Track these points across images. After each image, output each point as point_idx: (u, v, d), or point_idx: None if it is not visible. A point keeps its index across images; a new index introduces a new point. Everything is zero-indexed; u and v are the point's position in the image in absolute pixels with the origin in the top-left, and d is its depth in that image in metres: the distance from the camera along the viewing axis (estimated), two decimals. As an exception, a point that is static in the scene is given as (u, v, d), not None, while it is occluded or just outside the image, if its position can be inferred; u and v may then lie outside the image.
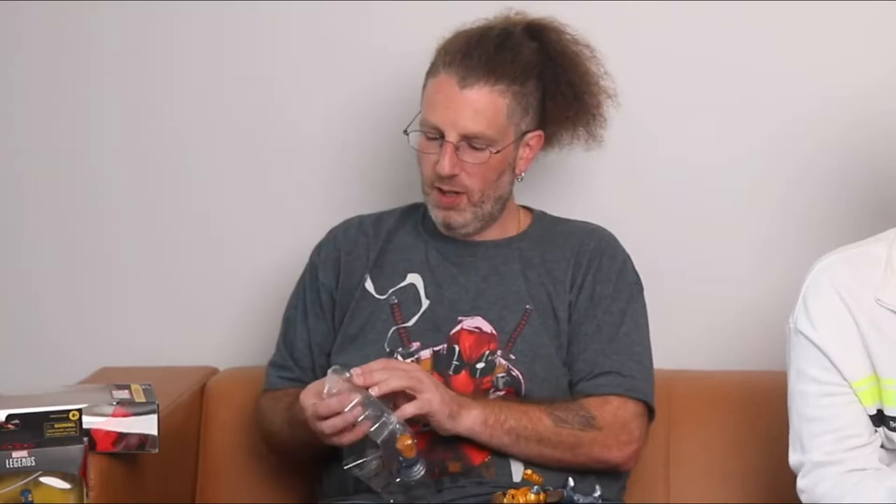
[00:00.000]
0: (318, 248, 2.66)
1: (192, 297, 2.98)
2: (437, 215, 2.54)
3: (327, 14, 2.91)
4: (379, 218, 2.66)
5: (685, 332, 2.83)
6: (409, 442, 2.30)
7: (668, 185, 2.87)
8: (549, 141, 2.60)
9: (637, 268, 2.60)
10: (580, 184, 2.83)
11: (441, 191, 2.51)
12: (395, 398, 2.36)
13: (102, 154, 2.99)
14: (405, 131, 2.54)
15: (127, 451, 2.33)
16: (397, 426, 2.30)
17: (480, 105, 2.47)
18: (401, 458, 2.30)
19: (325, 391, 2.33)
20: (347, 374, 2.34)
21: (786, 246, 2.82)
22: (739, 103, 2.84)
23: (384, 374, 2.36)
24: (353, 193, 2.90)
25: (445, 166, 2.47)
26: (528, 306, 2.52)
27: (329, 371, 2.36)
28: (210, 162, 2.97)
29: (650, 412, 2.51)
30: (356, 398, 2.31)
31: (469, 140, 2.47)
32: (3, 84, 3.00)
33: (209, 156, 2.97)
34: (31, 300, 3.03)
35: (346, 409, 2.31)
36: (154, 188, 2.98)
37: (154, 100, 2.97)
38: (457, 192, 2.50)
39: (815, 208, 2.82)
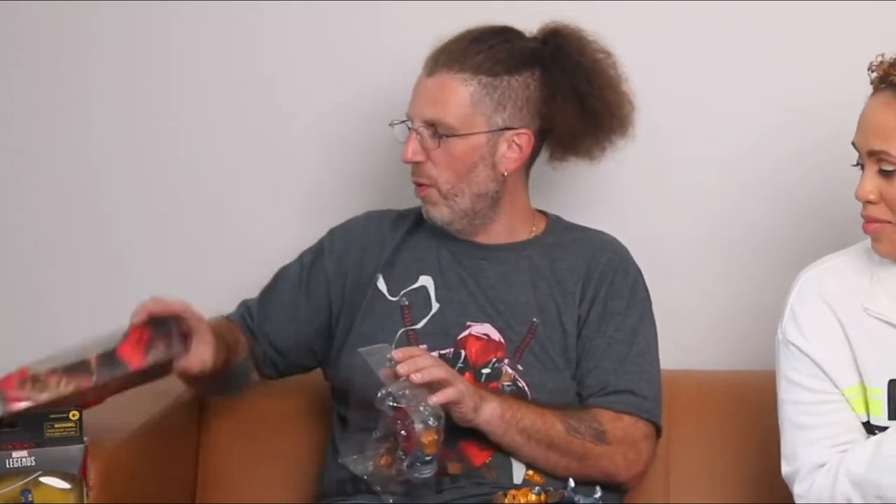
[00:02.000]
0: (332, 235, 2.65)
1: (192, 297, 2.98)
2: (422, 209, 2.55)
3: (327, 14, 2.91)
4: (400, 215, 2.65)
5: (686, 332, 2.83)
6: (435, 437, 2.28)
7: (667, 184, 2.87)
8: (567, 149, 2.58)
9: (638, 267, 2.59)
10: (578, 182, 2.83)
11: (417, 183, 2.52)
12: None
13: (102, 154, 2.99)
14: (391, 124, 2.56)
15: (156, 363, 2.34)
16: (430, 419, 2.29)
17: (439, 91, 2.47)
18: (419, 453, 2.30)
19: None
20: (388, 356, 2.34)
21: (787, 245, 2.82)
22: (742, 102, 2.84)
23: (427, 361, 2.35)
24: (355, 193, 2.90)
25: (407, 152, 2.48)
26: (534, 319, 2.50)
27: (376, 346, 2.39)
28: (210, 162, 2.97)
29: (657, 434, 2.51)
30: None
31: (432, 128, 2.47)
32: (3, 84, 3.00)
33: (209, 156, 2.97)
34: (31, 300, 3.03)
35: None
36: (154, 188, 2.98)
37: (154, 100, 2.97)
38: (427, 184, 2.50)
39: (819, 207, 2.82)
